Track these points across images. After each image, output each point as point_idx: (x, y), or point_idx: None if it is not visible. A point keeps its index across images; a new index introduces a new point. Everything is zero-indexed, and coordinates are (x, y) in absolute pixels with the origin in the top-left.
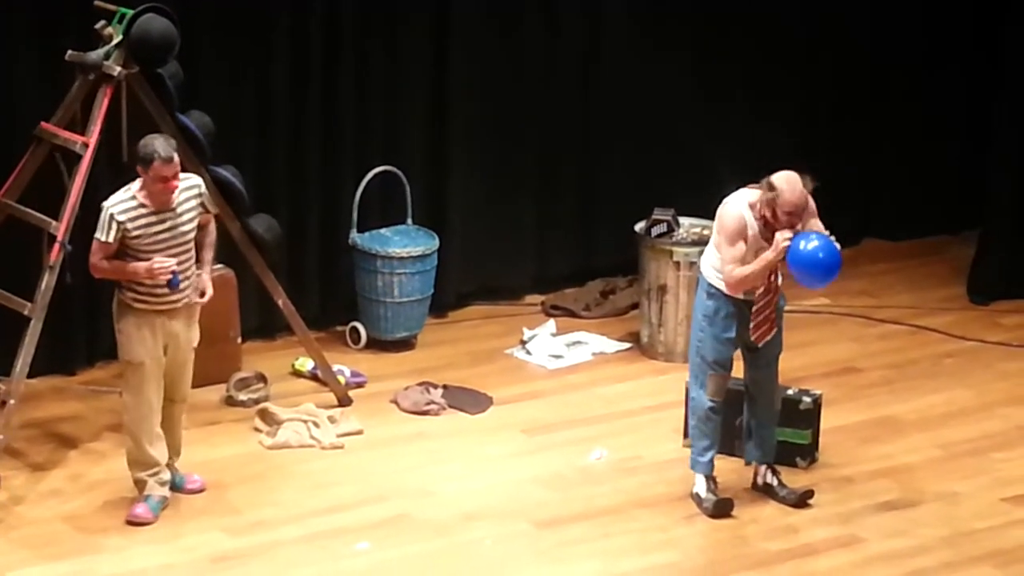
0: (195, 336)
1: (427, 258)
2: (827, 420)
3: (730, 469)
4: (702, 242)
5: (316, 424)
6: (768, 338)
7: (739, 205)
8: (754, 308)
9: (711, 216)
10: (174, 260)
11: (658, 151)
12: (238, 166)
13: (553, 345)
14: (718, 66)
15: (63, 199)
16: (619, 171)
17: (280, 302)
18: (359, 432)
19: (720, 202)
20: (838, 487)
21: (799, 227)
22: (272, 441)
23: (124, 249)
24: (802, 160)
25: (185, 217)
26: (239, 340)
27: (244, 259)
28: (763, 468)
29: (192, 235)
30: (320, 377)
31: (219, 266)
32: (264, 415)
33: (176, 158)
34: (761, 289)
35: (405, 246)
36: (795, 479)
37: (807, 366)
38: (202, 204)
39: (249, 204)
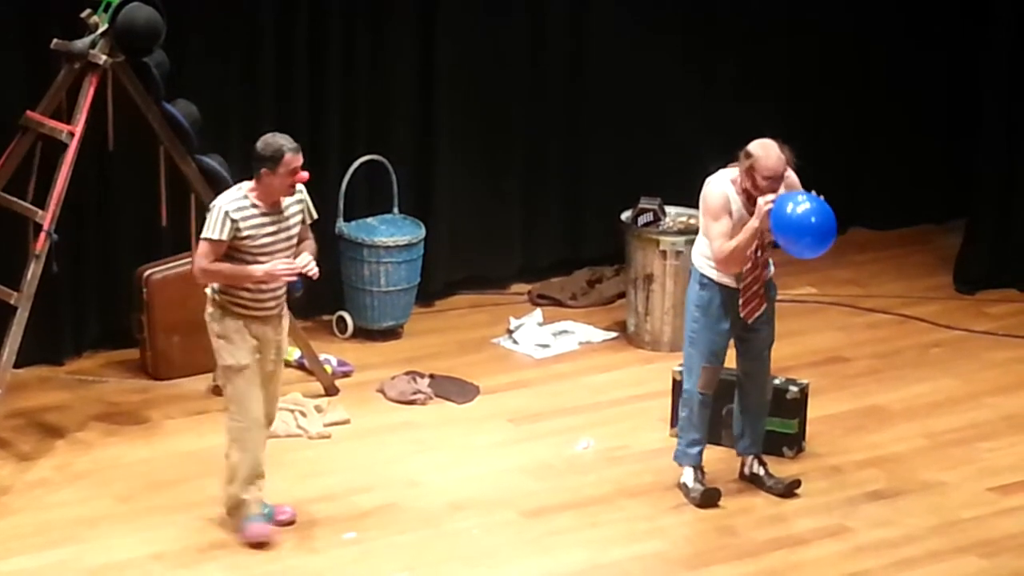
0: (286, 345)
1: (413, 247)
2: (814, 409)
3: (717, 459)
4: (688, 231)
5: (303, 414)
6: (758, 314)
7: (721, 182)
8: (742, 285)
9: (698, 205)
10: (308, 260)
11: (644, 140)
12: (224, 155)
13: (540, 334)
14: (704, 55)
15: (49, 188)
16: (605, 160)
17: None
18: (346, 422)
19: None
20: (825, 477)
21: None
22: None
23: (229, 252)
24: (788, 148)
25: (292, 220)
26: None
27: None
28: (750, 458)
29: (295, 240)
30: (307, 366)
31: None
32: None
33: (300, 151)
34: (748, 265)
35: (391, 235)
36: (782, 469)
37: (794, 355)
38: (304, 210)
39: None
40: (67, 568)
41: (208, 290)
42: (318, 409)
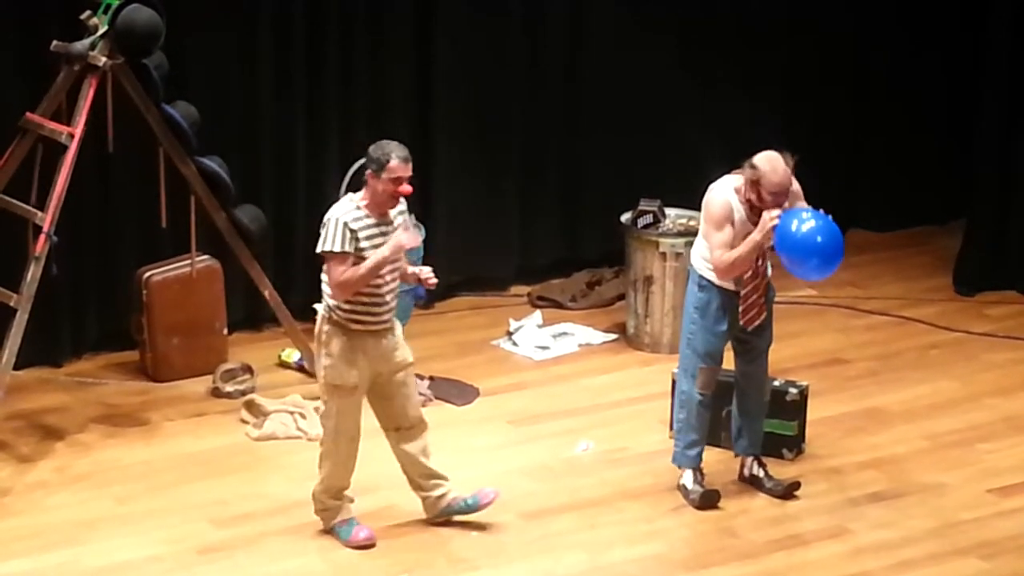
0: (408, 353)
1: (413, 249)
2: (813, 411)
3: (716, 460)
4: (688, 233)
5: (303, 415)
6: (758, 322)
7: (724, 191)
8: (742, 293)
9: (697, 207)
10: (428, 269)
11: (644, 141)
12: (224, 157)
13: (539, 336)
14: (702, 54)
15: (48, 190)
16: (605, 162)
17: (266, 293)
18: None
19: (706, 191)
20: (825, 478)
21: (785, 206)
22: (259, 432)
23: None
24: (786, 147)
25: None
26: (225, 331)
27: (230, 250)
28: (750, 460)
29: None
30: (306, 368)
31: (204, 257)
32: (250, 406)
33: (411, 163)
34: (749, 274)
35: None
36: (782, 470)
37: (793, 357)
38: (406, 223)
39: (235, 195)
40: (66, 570)
41: (322, 308)
42: (317, 411)
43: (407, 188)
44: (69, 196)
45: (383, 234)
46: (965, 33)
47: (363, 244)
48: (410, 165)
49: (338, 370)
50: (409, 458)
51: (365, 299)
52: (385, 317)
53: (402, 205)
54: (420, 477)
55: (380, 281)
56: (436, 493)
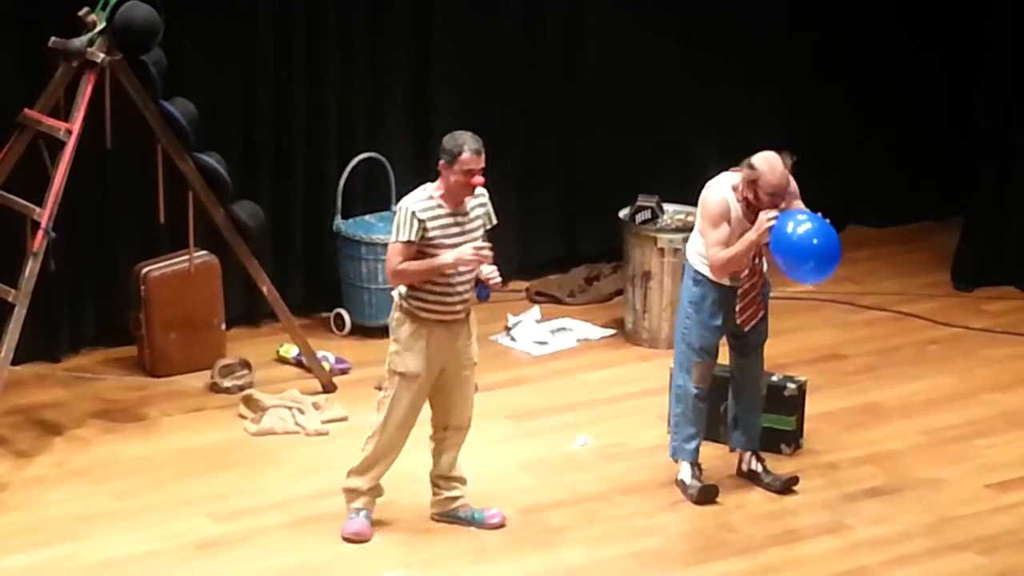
0: (475, 351)
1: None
2: (811, 406)
3: (714, 455)
4: (686, 228)
5: (301, 411)
6: (754, 322)
7: (722, 188)
8: (739, 291)
9: (695, 203)
10: (492, 269)
11: (642, 138)
12: (222, 153)
13: (537, 331)
14: (702, 53)
15: (47, 186)
16: (603, 158)
17: (264, 289)
18: (344, 419)
19: (703, 187)
20: (823, 473)
21: (782, 206)
22: (257, 428)
23: (416, 255)
24: (786, 145)
25: (476, 223)
26: (223, 327)
27: (228, 246)
28: (748, 455)
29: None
30: (304, 364)
31: (202, 253)
32: (248, 402)
33: (483, 155)
34: (746, 272)
35: (389, 232)
36: (780, 465)
37: (791, 352)
38: (486, 213)
39: (233, 191)
40: (64, 565)
41: (395, 295)
42: (316, 406)
43: (479, 179)
44: (67, 192)
45: (457, 224)
46: (965, 33)
47: (433, 233)
48: (482, 157)
49: (403, 358)
50: (440, 459)
51: (437, 288)
52: (458, 308)
53: (483, 196)
54: (441, 479)
55: (452, 271)
56: (450, 495)
